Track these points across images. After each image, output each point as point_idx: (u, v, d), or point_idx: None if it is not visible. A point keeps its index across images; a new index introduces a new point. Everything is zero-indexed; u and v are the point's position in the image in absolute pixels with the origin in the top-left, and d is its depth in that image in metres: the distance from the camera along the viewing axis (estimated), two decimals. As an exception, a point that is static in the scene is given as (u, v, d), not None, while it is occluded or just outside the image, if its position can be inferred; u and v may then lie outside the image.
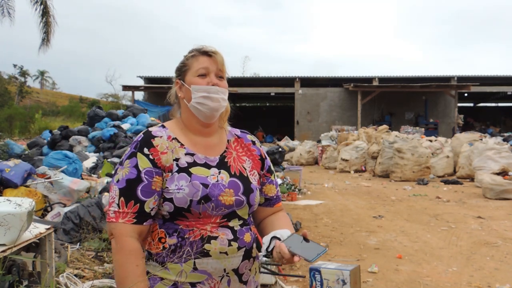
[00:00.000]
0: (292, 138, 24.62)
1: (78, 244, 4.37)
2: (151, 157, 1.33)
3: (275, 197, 1.57)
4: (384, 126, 15.43)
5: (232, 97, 32.01)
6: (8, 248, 2.57)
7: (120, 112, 11.58)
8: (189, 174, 1.35)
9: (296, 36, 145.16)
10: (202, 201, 1.32)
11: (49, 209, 5.12)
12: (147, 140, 1.36)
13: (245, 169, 1.47)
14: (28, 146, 10.26)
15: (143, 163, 1.32)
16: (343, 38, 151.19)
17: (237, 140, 1.54)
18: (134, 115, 11.21)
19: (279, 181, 9.17)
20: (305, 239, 1.32)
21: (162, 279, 1.34)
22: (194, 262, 1.32)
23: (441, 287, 3.96)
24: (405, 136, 13.18)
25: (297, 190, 9.19)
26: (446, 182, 11.14)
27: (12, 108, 25.53)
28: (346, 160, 14.29)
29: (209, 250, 1.33)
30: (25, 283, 2.93)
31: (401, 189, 10.18)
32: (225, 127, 1.54)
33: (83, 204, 4.77)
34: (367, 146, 14.33)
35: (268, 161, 1.58)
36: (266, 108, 36.54)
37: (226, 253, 1.35)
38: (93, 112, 11.06)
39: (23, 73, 37.47)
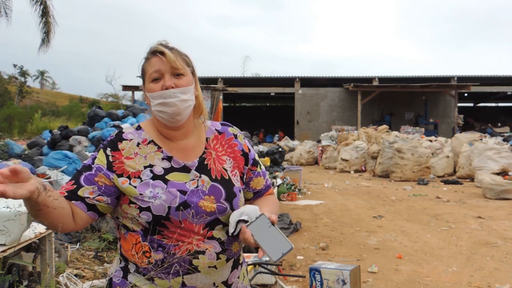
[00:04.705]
0: (292, 138, 24.61)
1: (78, 244, 4.38)
2: (110, 159, 1.31)
3: (264, 187, 1.51)
4: (384, 126, 15.42)
5: (232, 97, 32.11)
6: (8, 248, 2.56)
7: (120, 112, 11.56)
8: (165, 181, 1.29)
9: (296, 36, 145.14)
10: (181, 207, 1.26)
11: (49, 209, 5.12)
12: (115, 142, 1.34)
13: (226, 170, 1.39)
14: (28, 146, 10.25)
15: (100, 160, 1.31)
16: (343, 38, 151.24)
17: (217, 137, 1.45)
18: (134, 115, 11.19)
19: (279, 181, 9.17)
20: (273, 224, 1.23)
21: None
22: (183, 278, 1.29)
23: (441, 287, 3.96)
24: (405, 136, 13.18)
25: (297, 190, 9.19)
26: (446, 182, 11.14)
27: (11, 108, 25.45)
28: (346, 160, 14.29)
29: (198, 266, 1.29)
30: (25, 283, 2.93)
31: (401, 189, 10.18)
32: (205, 123, 1.46)
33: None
34: (367, 146, 14.33)
35: (252, 153, 1.49)
36: (266, 108, 36.54)
37: (215, 267, 1.31)
38: (93, 112, 11.04)
39: (23, 73, 37.40)
